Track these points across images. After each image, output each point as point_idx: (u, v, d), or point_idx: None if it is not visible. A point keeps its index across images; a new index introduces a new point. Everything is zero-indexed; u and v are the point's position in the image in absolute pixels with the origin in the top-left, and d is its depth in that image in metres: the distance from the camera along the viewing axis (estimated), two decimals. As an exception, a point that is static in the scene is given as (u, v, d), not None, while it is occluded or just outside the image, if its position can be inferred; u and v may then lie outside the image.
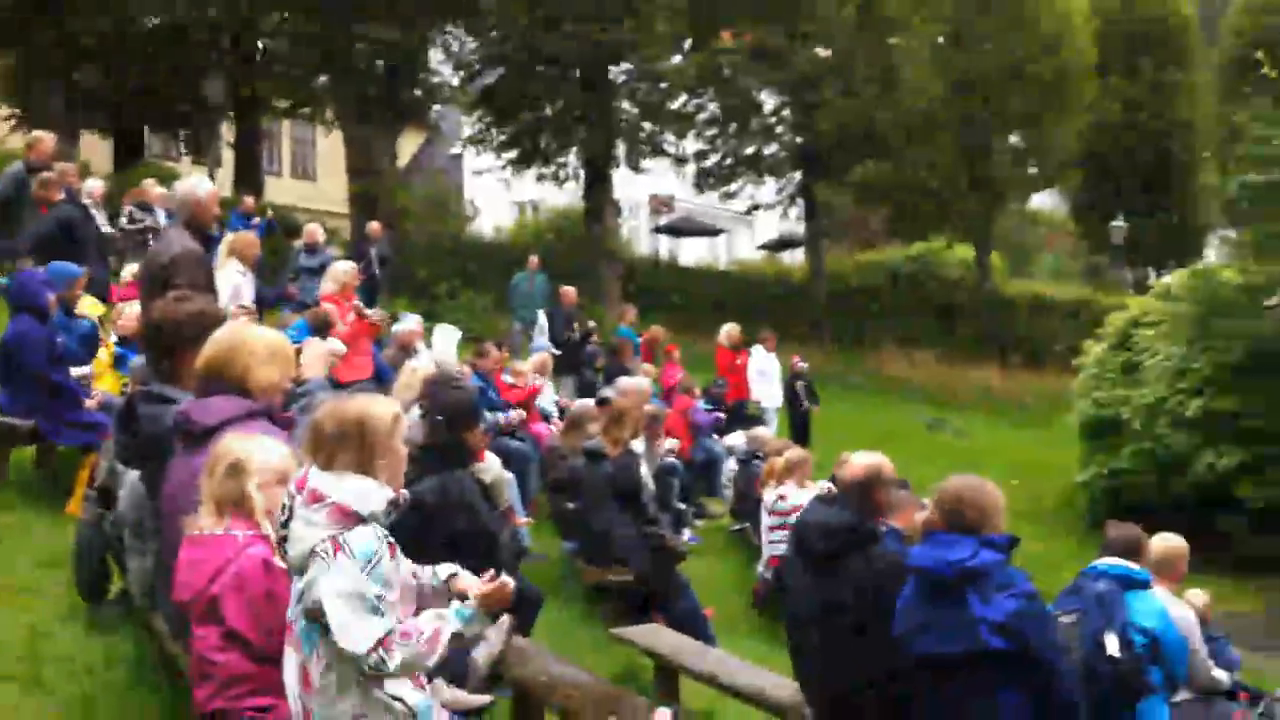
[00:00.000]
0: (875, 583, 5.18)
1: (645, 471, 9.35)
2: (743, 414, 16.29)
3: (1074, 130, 30.18)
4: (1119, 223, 31.38)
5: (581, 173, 27.09)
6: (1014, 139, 30.42)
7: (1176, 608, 6.47)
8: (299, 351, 6.22)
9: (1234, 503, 15.20)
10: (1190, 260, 31.10)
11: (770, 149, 30.10)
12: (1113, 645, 5.88)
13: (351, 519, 3.61)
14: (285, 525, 3.67)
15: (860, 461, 5.60)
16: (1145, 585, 6.14)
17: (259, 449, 4.18)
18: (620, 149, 26.69)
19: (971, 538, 4.71)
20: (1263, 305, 15.07)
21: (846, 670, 5.26)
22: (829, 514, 5.43)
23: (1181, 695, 6.64)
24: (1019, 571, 4.71)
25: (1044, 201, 40.98)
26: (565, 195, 30.91)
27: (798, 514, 8.65)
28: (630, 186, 31.18)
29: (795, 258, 37.83)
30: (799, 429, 17.83)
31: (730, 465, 13.20)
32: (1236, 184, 16.34)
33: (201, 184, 7.98)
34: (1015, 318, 30.26)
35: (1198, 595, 7.36)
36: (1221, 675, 6.95)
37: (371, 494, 3.66)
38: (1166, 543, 6.86)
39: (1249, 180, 15.91)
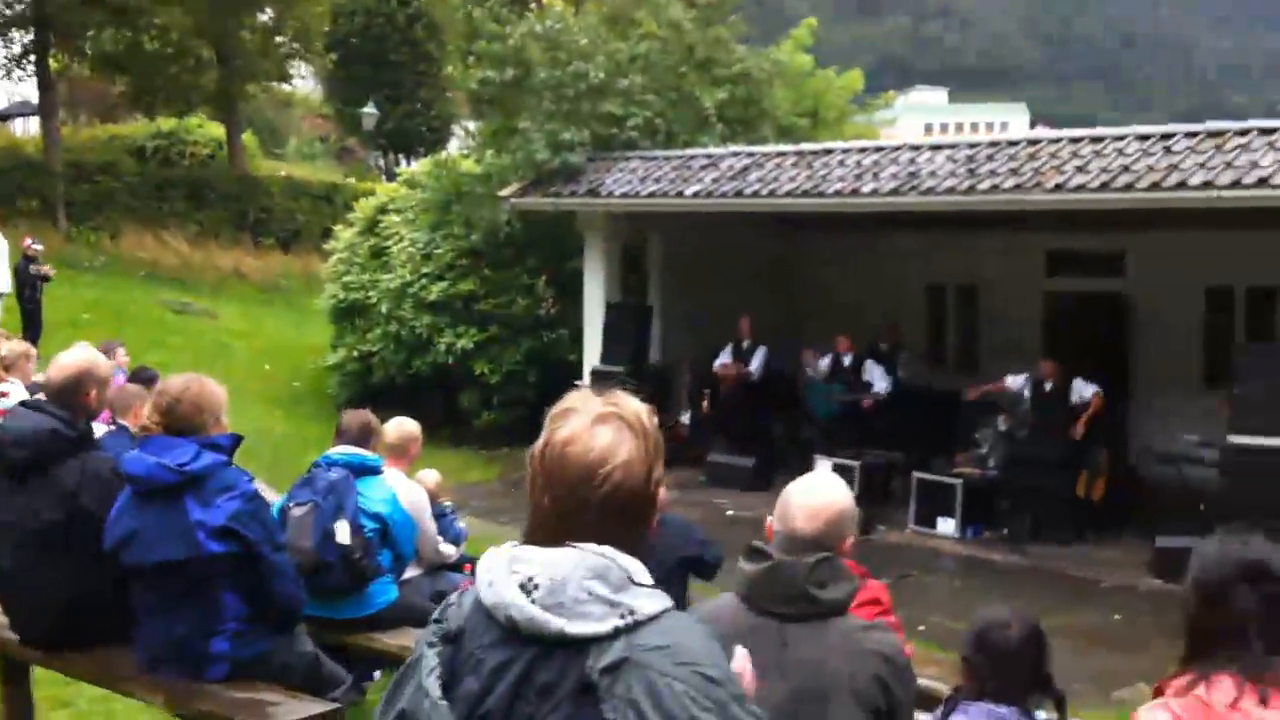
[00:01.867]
0: (89, 491, 4.76)
1: None
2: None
3: (323, 12, 30.11)
4: (370, 109, 31.99)
5: None
6: (263, 16, 29.74)
7: (407, 489, 6.66)
8: None
9: (473, 380, 16.24)
10: (438, 149, 32.58)
11: (-6, 5, 26.88)
12: (343, 533, 5.95)
13: None
14: None
15: (68, 360, 5.07)
16: (376, 471, 6.26)
17: None
18: None
19: (192, 440, 4.47)
20: (498, 195, 16.01)
21: (56, 587, 4.81)
22: (32, 419, 4.88)
23: (411, 571, 6.93)
24: (241, 472, 4.56)
25: (299, 84, 40.75)
26: None
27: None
28: None
29: (29, 128, 34.43)
30: (30, 319, 16.32)
31: (-60, 361, 11.67)
32: (476, 80, 17.10)
33: None
34: (268, 199, 29.86)
35: (429, 474, 7.66)
36: (449, 549, 7.33)
37: None
38: (400, 427, 7.03)
39: (486, 77, 16.73)
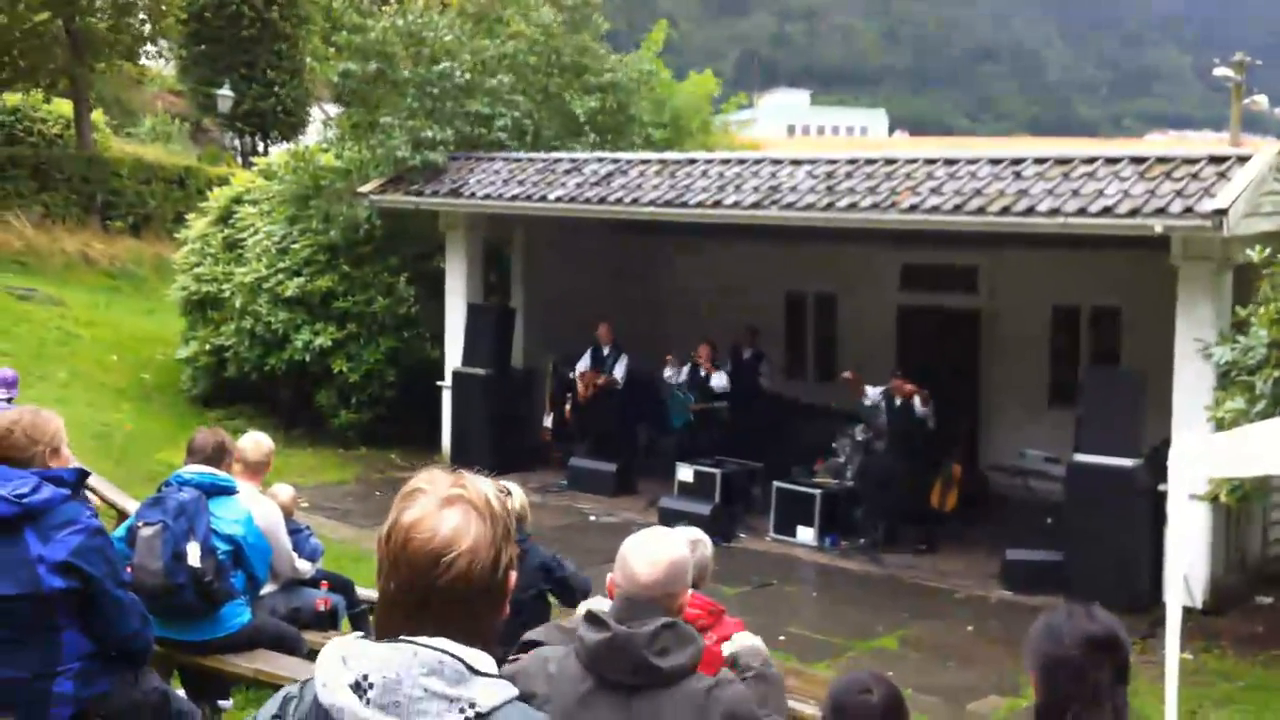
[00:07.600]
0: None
1: None
2: None
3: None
4: (225, 91, 31.10)
5: None
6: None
7: (260, 509, 6.51)
8: None
9: (331, 378, 15.92)
10: (296, 132, 31.79)
11: None
12: (194, 555, 5.80)
13: None
14: None
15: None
16: (229, 491, 6.10)
17: None
18: None
19: (32, 471, 4.30)
20: (358, 191, 15.70)
21: None
22: None
23: (267, 589, 6.79)
24: (83, 505, 4.41)
25: (153, 61, 39.37)
26: None
27: None
28: None
29: None
30: None
31: None
32: (339, 71, 16.73)
33: None
34: (118, 181, 28.83)
35: (283, 490, 7.50)
36: (304, 566, 7.21)
37: None
38: (259, 444, 6.90)
39: (348, 69, 16.39)
